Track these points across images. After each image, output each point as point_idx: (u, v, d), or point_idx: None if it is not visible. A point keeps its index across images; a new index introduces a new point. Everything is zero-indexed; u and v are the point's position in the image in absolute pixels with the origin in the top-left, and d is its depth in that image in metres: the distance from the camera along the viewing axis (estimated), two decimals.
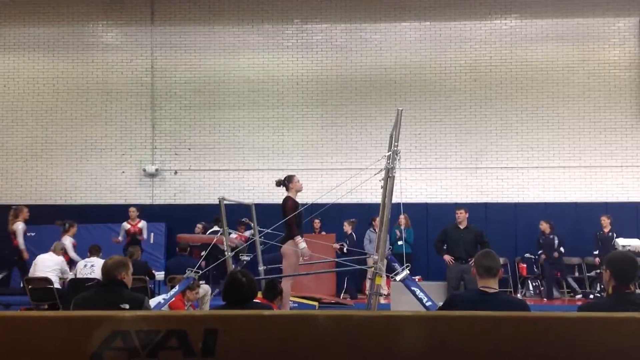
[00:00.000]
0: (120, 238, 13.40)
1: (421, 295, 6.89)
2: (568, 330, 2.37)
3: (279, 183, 8.70)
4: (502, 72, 15.30)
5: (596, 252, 13.45)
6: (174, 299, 8.38)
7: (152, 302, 7.93)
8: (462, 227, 10.99)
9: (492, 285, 4.22)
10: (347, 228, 13.48)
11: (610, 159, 15.00)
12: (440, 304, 6.58)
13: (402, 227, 12.25)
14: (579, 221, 14.50)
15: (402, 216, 11.49)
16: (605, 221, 13.37)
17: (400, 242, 12.20)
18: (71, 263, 11.58)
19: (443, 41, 15.39)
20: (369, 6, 15.43)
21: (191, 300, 8.76)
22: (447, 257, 10.92)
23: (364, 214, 13.77)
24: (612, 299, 3.99)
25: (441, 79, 15.34)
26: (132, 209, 13.62)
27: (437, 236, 11.57)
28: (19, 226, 12.00)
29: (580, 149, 15.08)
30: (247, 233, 13.10)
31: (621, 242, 13.16)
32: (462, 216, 11.00)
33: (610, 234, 13.34)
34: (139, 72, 15.68)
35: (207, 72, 15.62)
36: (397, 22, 15.48)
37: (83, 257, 11.01)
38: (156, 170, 15.49)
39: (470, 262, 10.54)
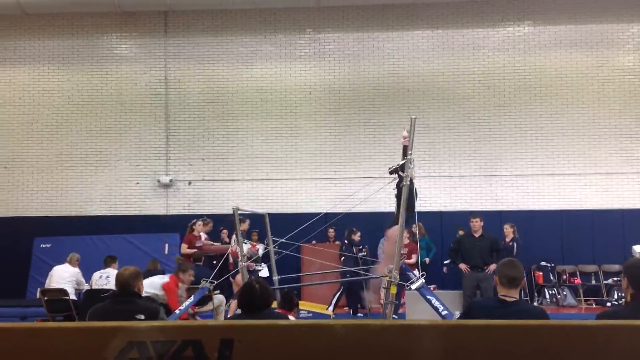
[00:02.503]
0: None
1: (437, 304, 6.83)
2: (587, 339, 2.34)
3: None
4: (516, 79, 15.24)
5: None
6: (168, 279, 8.57)
7: None
8: (477, 235, 10.93)
9: (512, 295, 4.19)
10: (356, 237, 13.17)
11: (626, 165, 14.88)
12: (457, 312, 6.54)
13: (417, 237, 12.20)
14: (595, 229, 14.40)
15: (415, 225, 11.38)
16: (508, 230, 12.27)
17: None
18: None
19: (456, 49, 15.37)
20: (381, 15, 15.44)
21: (185, 282, 8.82)
22: (462, 266, 10.87)
23: (377, 222, 13.68)
24: (631, 307, 3.93)
25: (454, 87, 15.30)
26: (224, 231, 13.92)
27: (452, 245, 11.52)
28: (202, 236, 12.74)
29: (595, 156, 14.97)
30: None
31: (638, 249, 13.02)
32: (477, 225, 10.95)
33: (511, 243, 12.11)
34: (153, 83, 15.78)
35: (221, 83, 15.69)
36: (410, 30, 15.48)
37: (99, 269, 11.04)
38: (170, 180, 15.54)
39: (486, 270, 10.50)
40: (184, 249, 12.61)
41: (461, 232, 12.53)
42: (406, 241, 12.11)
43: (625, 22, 15.10)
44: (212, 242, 13.17)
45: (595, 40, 15.14)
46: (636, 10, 15.06)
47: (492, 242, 10.93)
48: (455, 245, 11.31)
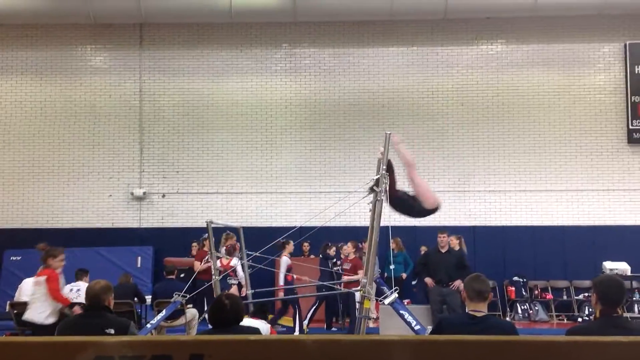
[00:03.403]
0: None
1: (410, 319, 6.85)
2: (556, 354, 2.36)
3: None
4: (489, 97, 15.42)
5: None
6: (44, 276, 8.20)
7: None
8: (443, 250, 10.99)
9: (481, 309, 4.21)
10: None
11: (596, 182, 15.11)
12: (429, 327, 6.56)
13: (395, 251, 12.24)
14: (566, 244, 14.59)
15: (392, 240, 11.39)
16: (454, 242, 11.56)
17: (391, 266, 12.16)
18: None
19: (430, 66, 15.52)
20: (357, 31, 15.54)
21: (56, 268, 8.49)
22: (428, 280, 10.91)
23: (352, 237, 13.71)
24: (599, 323, 3.99)
25: (428, 103, 15.44)
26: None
27: (419, 259, 11.64)
28: (283, 260, 11.82)
29: (566, 173, 15.18)
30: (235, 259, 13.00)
31: (608, 265, 13.23)
32: (445, 240, 11.02)
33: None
34: (127, 95, 15.68)
35: (196, 96, 15.64)
36: (385, 47, 15.61)
37: (70, 282, 10.87)
38: (144, 193, 15.42)
39: (451, 286, 10.55)
40: (197, 265, 12.17)
41: (423, 248, 12.65)
42: (352, 256, 11.99)
43: (596, 41, 15.38)
44: (231, 257, 12.46)
45: (567, 59, 15.40)
46: (607, 31, 15.35)
47: (459, 257, 10.99)
48: (423, 259, 11.41)
